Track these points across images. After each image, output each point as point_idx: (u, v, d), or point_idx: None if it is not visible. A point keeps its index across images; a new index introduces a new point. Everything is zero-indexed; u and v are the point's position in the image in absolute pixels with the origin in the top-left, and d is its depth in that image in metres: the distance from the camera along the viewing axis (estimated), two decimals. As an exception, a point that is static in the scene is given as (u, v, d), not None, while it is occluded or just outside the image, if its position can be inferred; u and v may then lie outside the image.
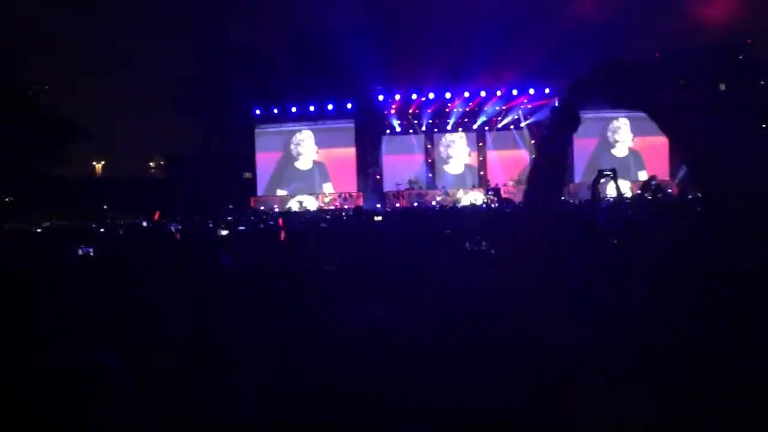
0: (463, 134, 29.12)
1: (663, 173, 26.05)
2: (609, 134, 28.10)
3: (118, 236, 10.70)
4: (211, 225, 12.22)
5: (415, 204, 25.45)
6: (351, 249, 5.68)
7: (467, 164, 29.21)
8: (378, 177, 28.28)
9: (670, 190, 25.58)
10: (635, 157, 27.99)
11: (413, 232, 6.86)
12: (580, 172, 27.60)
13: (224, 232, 9.88)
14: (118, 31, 27.74)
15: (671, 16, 26.93)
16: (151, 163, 32.83)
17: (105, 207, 23.31)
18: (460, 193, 26.70)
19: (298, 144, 27.97)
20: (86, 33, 27.11)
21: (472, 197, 26.33)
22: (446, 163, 29.18)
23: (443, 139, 29.17)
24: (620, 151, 28.06)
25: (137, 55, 27.08)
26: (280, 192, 27.92)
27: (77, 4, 27.07)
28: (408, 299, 3.84)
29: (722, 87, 28.68)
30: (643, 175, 26.33)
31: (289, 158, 28.12)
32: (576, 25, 25.36)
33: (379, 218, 10.10)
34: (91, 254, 6.31)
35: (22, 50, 25.12)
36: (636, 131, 27.57)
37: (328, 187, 27.93)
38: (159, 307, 4.29)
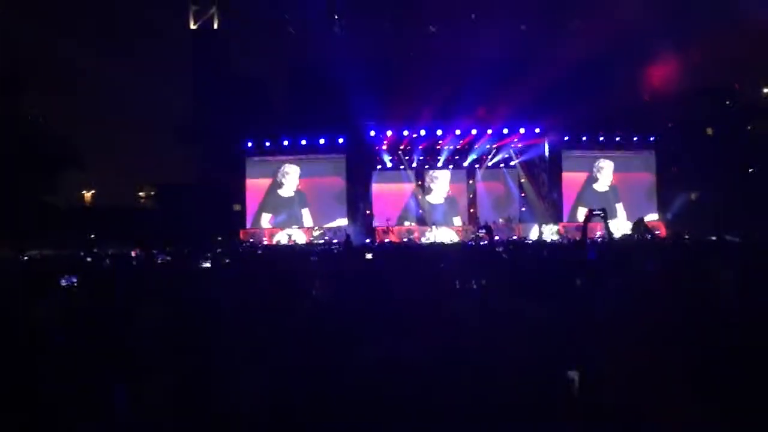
0: (447, 171, 29.28)
1: (640, 207, 27.55)
2: (594, 171, 28.96)
3: (103, 267, 10.59)
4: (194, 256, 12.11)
5: (405, 240, 25.45)
6: (346, 285, 5.65)
7: (448, 196, 29.30)
8: (368, 212, 28.28)
9: (657, 231, 25.82)
10: (613, 191, 29.01)
11: (407, 271, 6.83)
12: (569, 207, 27.98)
13: (207, 264, 9.77)
14: (113, 60, 27.78)
15: (660, 60, 27.32)
16: (141, 193, 32.65)
17: (92, 236, 23.08)
18: (433, 230, 26.82)
19: (285, 174, 28.11)
20: (81, 62, 27.15)
21: (447, 234, 26.50)
22: (428, 193, 29.32)
23: (429, 174, 29.34)
24: (602, 186, 28.95)
25: (132, 86, 27.06)
26: (265, 216, 27.93)
27: (72, 33, 27.15)
28: (408, 337, 3.80)
29: (710, 131, 29.04)
30: (620, 208, 28.25)
31: (275, 185, 28.23)
32: (567, 66, 25.68)
33: (370, 255, 10.00)
34: (75, 285, 6.23)
35: (19, 78, 25.11)
36: (616, 169, 29.05)
37: (306, 213, 27.98)
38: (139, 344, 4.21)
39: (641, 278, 6.42)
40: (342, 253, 11.62)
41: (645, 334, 4.22)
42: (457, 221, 28.85)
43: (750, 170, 27.97)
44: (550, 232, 26.70)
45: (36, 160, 25.08)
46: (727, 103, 29.10)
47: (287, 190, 28.26)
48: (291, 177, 28.23)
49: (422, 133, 27.69)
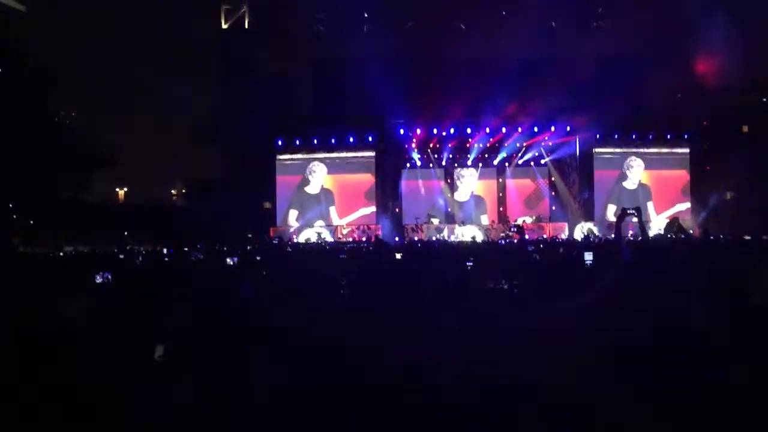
0: (474, 169, 29.17)
1: (668, 204, 28.01)
2: (625, 169, 28.62)
3: (136, 263, 10.74)
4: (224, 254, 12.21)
5: (434, 238, 25.40)
6: (376, 286, 5.64)
7: (475, 194, 29.21)
8: (397, 210, 28.29)
9: (691, 231, 25.38)
10: (644, 190, 28.57)
11: (436, 272, 6.80)
12: (601, 203, 27.68)
13: (230, 261, 9.82)
14: (145, 60, 28.18)
15: (694, 56, 26.86)
16: (173, 191, 33.08)
17: (125, 233, 23.46)
18: (459, 228, 26.79)
19: (312, 171, 28.27)
20: (113, 61, 27.62)
21: (472, 232, 26.42)
22: (456, 191, 29.28)
23: (456, 171, 29.27)
24: (632, 184, 28.63)
25: (163, 85, 27.42)
26: (292, 213, 28.14)
27: (106, 31, 27.59)
28: (438, 337, 3.78)
29: (745, 129, 28.48)
30: (650, 206, 27.85)
31: (303, 183, 28.44)
32: (598, 63, 25.40)
33: (399, 255, 9.96)
34: (110, 280, 6.34)
35: (53, 75, 25.59)
36: (648, 167, 28.61)
37: (333, 211, 28.14)
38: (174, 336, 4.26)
39: (678, 279, 6.31)
40: (371, 253, 11.63)
41: (682, 337, 4.15)
42: (485, 219, 28.70)
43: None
44: (582, 231, 26.50)
45: (70, 159, 25.54)
46: (764, 100, 28.48)
47: (314, 187, 28.39)
48: (318, 174, 28.36)
49: (452, 131, 27.60)
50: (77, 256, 13.18)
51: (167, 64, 28.52)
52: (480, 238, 25.35)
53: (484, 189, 29.44)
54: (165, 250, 14.89)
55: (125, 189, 32.38)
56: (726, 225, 22.94)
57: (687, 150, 28.43)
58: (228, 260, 9.68)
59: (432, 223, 27.43)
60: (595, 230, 26.42)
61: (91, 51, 26.69)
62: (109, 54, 27.34)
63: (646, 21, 24.64)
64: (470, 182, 29.35)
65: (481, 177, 29.39)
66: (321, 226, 27.73)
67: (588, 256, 8.76)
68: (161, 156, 30.74)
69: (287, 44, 28.79)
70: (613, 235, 9.13)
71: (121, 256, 12.16)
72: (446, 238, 25.89)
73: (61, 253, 14.32)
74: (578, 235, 25.56)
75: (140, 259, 11.79)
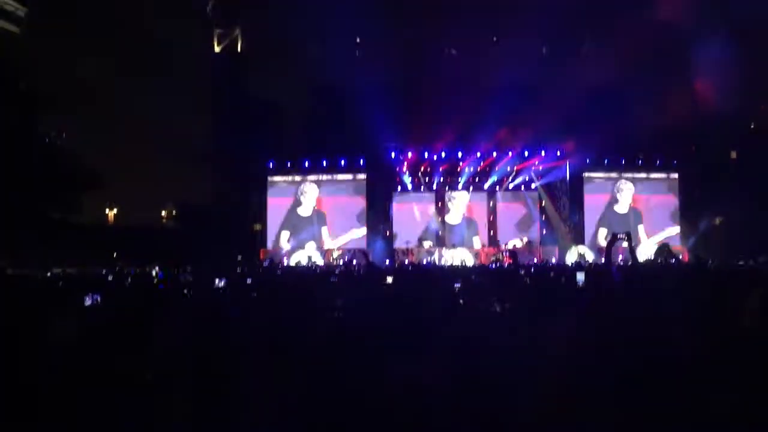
0: (465, 192, 29.27)
1: (658, 228, 28.38)
2: (615, 193, 28.99)
3: (125, 285, 10.65)
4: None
5: (425, 261, 25.38)
6: (367, 309, 5.63)
7: (466, 217, 29.29)
8: (388, 233, 28.29)
9: (681, 256, 25.51)
10: (635, 214, 28.87)
11: (426, 296, 6.78)
12: (591, 228, 27.81)
13: (219, 283, 9.76)
14: (137, 81, 28.26)
15: (682, 83, 27.17)
16: (163, 213, 32.96)
17: (115, 255, 23.30)
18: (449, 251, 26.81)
19: (303, 192, 28.35)
20: (105, 83, 27.64)
21: (462, 255, 26.46)
22: (447, 214, 29.39)
23: (447, 194, 29.36)
24: (623, 208, 28.90)
25: (155, 107, 27.49)
26: (284, 235, 28.13)
27: (99, 54, 27.66)
28: (432, 358, 3.76)
29: (733, 155, 28.78)
30: (641, 230, 28.16)
31: (294, 204, 28.50)
32: (588, 89, 25.65)
33: (390, 279, 9.92)
34: (99, 302, 6.28)
35: (44, 97, 25.59)
36: (638, 191, 29.05)
37: (324, 232, 28.15)
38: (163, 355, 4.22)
39: (668, 304, 6.32)
40: (362, 276, 11.59)
41: (671, 359, 4.15)
42: (477, 242, 28.74)
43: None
44: (572, 255, 26.56)
45: (59, 179, 25.46)
46: (752, 126, 28.82)
47: (306, 209, 28.42)
48: (309, 196, 28.43)
49: (443, 154, 27.74)
50: (65, 277, 13.06)
51: (160, 87, 28.56)
52: (471, 261, 25.37)
53: (475, 212, 29.51)
54: (154, 272, 14.79)
55: (115, 210, 32.21)
56: (715, 250, 23.07)
57: (676, 175, 28.69)
58: (217, 282, 9.61)
59: (423, 246, 27.43)
60: (588, 253, 26.51)
61: (83, 73, 26.73)
62: (101, 76, 27.39)
63: (636, 47, 24.92)
64: (462, 204, 29.42)
65: (471, 200, 29.48)
66: (312, 249, 27.71)
67: (580, 277, 8.80)
68: (152, 178, 30.66)
69: (279, 68, 28.95)
70: (603, 260, 9.16)
71: (110, 278, 12.06)
72: (437, 261, 25.89)
73: (49, 274, 14.18)
74: (570, 259, 25.63)
75: (129, 281, 11.69)
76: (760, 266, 14.65)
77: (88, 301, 6.23)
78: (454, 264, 24.74)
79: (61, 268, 17.38)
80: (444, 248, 27.49)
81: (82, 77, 26.91)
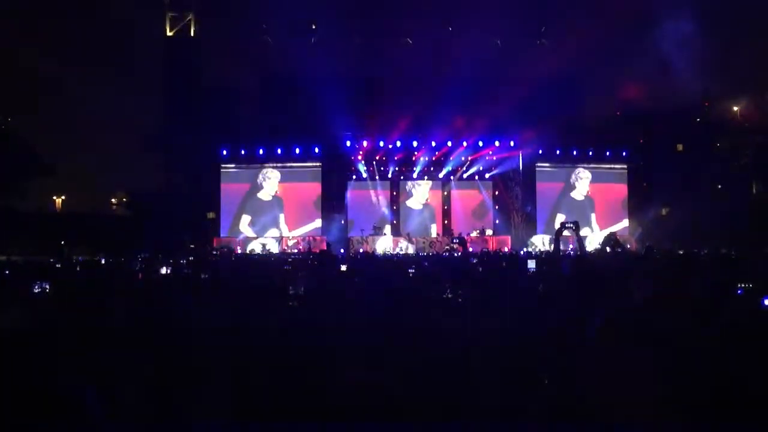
0: (424, 181, 29.52)
1: (613, 219, 28.89)
2: (572, 180, 29.56)
3: (74, 272, 10.46)
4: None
5: (379, 251, 25.48)
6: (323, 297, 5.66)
7: (426, 204, 29.56)
8: (343, 222, 28.27)
9: (629, 245, 26.18)
10: (589, 202, 29.53)
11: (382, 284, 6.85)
12: (546, 216, 28.26)
13: (164, 271, 9.70)
14: (84, 67, 27.50)
15: (632, 76, 27.76)
16: (113, 200, 32.27)
17: (62, 243, 22.76)
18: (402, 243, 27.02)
19: (266, 177, 28.13)
20: (51, 67, 26.84)
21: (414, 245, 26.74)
22: (409, 197, 29.63)
23: (408, 182, 29.56)
24: (579, 194, 29.55)
25: (104, 92, 26.80)
26: (244, 219, 27.96)
27: (46, 38, 26.85)
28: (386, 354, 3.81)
29: (680, 147, 29.58)
30: (594, 218, 28.95)
31: (254, 189, 28.26)
32: (541, 81, 26.00)
33: (344, 267, 9.97)
34: (47, 290, 6.18)
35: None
36: (592, 180, 29.62)
37: (282, 219, 28.04)
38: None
39: (614, 291, 6.52)
40: (317, 265, 11.61)
41: (617, 343, 4.30)
42: (434, 230, 29.03)
43: (719, 186, 28.51)
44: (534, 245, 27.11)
45: (4, 166, 24.73)
46: (698, 120, 29.67)
47: (267, 193, 28.20)
48: (272, 181, 28.19)
49: (398, 144, 27.78)
50: (11, 264, 12.74)
51: (110, 72, 27.89)
52: (427, 251, 25.60)
53: (431, 200, 29.76)
54: (103, 260, 14.54)
55: (63, 197, 31.42)
56: (661, 240, 23.75)
57: (625, 167, 29.40)
58: (163, 270, 9.52)
59: (378, 235, 27.50)
60: (543, 242, 27.04)
61: (29, 57, 25.92)
62: (49, 61, 26.59)
63: (588, 40, 25.34)
64: (424, 192, 29.67)
65: (425, 190, 29.72)
66: (269, 237, 27.53)
67: (531, 264, 9.02)
68: (101, 164, 29.96)
69: (233, 54, 28.54)
70: (551, 248, 9.36)
71: (58, 266, 11.82)
72: (391, 251, 26.03)
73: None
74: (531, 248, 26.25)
75: (78, 269, 11.48)
76: (701, 256, 15.15)
77: (36, 289, 6.12)
78: (407, 253, 24.94)
79: (5, 256, 16.94)
80: (399, 238, 27.62)
81: (28, 62, 26.11)
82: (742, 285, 6.40)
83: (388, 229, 28.54)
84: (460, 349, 4.04)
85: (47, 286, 6.15)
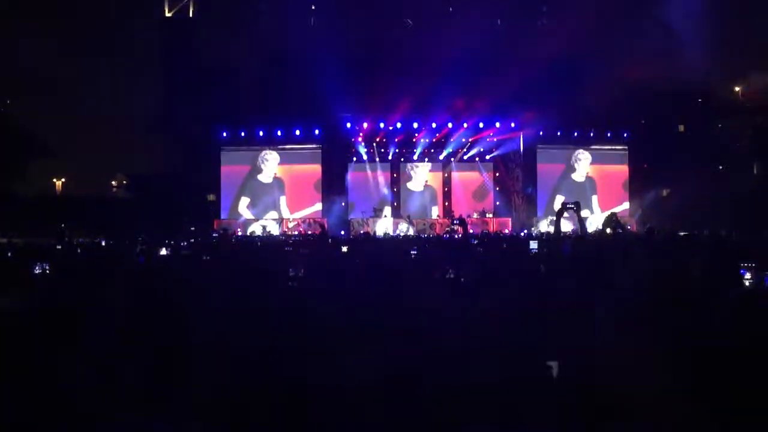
0: (425, 163, 29.51)
1: (614, 200, 28.69)
2: (572, 161, 29.47)
3: (74, 254, 10.47)
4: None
5: (380, 233, 25.48)
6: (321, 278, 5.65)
7: (426, 186, 29.54)
8: (343, 204, 28.25)
9: (629, 226, 26.17)
10: (590, 183, 29.50)
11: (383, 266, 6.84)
12: (544, 200, 28.25)
13: (163, 252, 9.73)
14: (84, 49, 27.36)
15: (634, 57, 27.59)
16: (113, 182, 32.23)
17: (63, 225, 22.75)
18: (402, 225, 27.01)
19: (265, 160, 28.08)
20: (50, 50, 26.69)
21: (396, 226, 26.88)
22: (410, 179, 29.61)
23: (408, 164, 29.55)
24: (579, 177, 29.44)
25: (104, 74, 26.71)
26: (243, 201, 27.97)
27: (40, 20, 26.67)
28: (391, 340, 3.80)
29: (681, 128, 29.48)
30: (595, 200, 28.91)
31: (254, 171, 28.20)
32: (542, 61, 25.84)
33: (345, 249, 9.99)
34: (47, 271, 6.19)
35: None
36: (593, 161, 29.52)
37: (283, 202, 27.98)
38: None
39: (613, 272, 6.51)
40: (317, 245, 11.61)
41: (615, 325, 4.29)
42: (435, 211, 29.07)
43: (720, 167, 28.45)
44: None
45: (4, 147, 24.68)
46: (699, 100, 29.53)
47: (267, 176, 28.17)
48: (271, 163, 28.16)
49: (398, 125, 27.69)
50: (12, 246, 12.75)
51: (108, 53, 27.72)
52: (428, 232, 25.61)
53: (431, 182, 29.77)
54: (104, 243, 14.55)
55: (63, 180, 31.38)
56: (662, 221, 23.75)
57: (626, 148, 29.31)
58: (162, 251, 9.54)
59: (378, 217, 27.51)
60: (548, 225, 27.00)
61: (27, 38, 25.77)
62: (47, 43, 26.43)
63: (589, 21, 25.15)
64: (424, 173, 29.66)
65: (426, 171, 29.73)
66: (270, 219, 27.54)
67: (533, 245, 9.05)
68: (101, 146, 29.88)
69: (232, 35, 28.33)
70: (552, 229, 9.33)
71: (59, 248, 11.83)
72: (392, 232, 26.04)
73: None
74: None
75: (79, 251, 11.48)
76: (701, 237, 15.13)
77: (37, 270, 6.13)
78: (408, 235, 24.94)
79: (6, 239, 16.95)
80: (400, 219, 27.64)
81: (27, 42, 25.97)
82: (745, 265, 6.39)
83: (388, 210, 28.54)
84: (460, 329, 4.03)
85: (47, 267, 6.17)
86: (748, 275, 6.31)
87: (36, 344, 3.69)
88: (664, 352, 3.65)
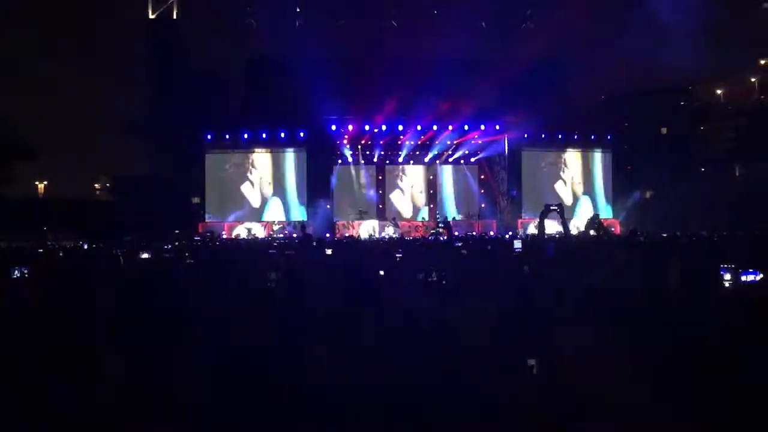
0: (409, 166, 29.60)
1: (597, 202, 29.01)
2: (556, 166, 29.60)
3: (55, 257, 10.38)
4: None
5: (364, 235, 25.48)
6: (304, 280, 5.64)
7: (412, 187, 29.70)
8: (328, 207, 28.20)
9: (612, 228, 26.36)
10: (575, 187, 29.57)
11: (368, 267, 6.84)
12: (530, 202, 28.44)
13: (145, 255, 9.67)
14: (67, 49, 27.20)
15: (618, 60, 27.79)
16: (96, 185, 32.00)
17: (45, 228, 22.54)
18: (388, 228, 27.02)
19: (249, 165, 27.87)
20: (34, 51, 26.50)
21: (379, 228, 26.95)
22: (395, 182, 29.75)
23: (390, 168, 29.59)
24: (564, 178, 29.61)
25: (86, 75, 26.51)
26: (226, 207, 27.75)
27: (30, 22, 26.51)
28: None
29: (664, 131, 29.74)
30: (581, 203, 29.06)
31: (238, 177, 27.99)
32: (527, 65, 25.96)
33: (329, 251, 9.97)
34: (26, 275, 6.13)
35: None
36: (577, 165, 29.74)
37: (267, 206, 27.89)
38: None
39: (597, 273, 6.55)
40: (300, 248, 11.59)
41: (598, 325, 4.32)
42: (419, 214, 29.09)
43: (702, 169, 28.72)
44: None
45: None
46: (682, 103, 29.80)
47: (252, 177, 28.00)
48: (257, 165, 27.99)
49: (383, 128, 27.68)
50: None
51: (92, 54, 27.57)
52: (413, 234, 25.63)
53: (416, 186, 29.79)
54: (85, 245, 14.43)
55: (45, 182, 31.11)
56: (645, 223, 23.92)
57: (610, 150, 29.47)
58: (144, 255, 9.47)
59: (362, 219, 27.49)
60: (531, 228, 27.10)
61: (13, 39, 25.56)
62: (30, 44, 26.24)
63: (572, 24, 25.34)
64: (409, 176, 29.77)
65: (413, 174, 29.77)
66: (254, 222, 27.42)
67: (517, 245, 9.08)
68: (85, 149, 29.68)
69: (217, 37, 28.25)
70: (536, 231, 9.37)
71: (40, 251, 11.72)
72: (376, 234, 26.05)
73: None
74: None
75: (61, 254, 11.39)
76: (683, 238, 15.27)
77: (16, 274, 6.07)
78: (392, 237, 24.94)
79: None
80: (386, 222, 27.64)
81: (12, 44, 25.75)
82: (725, 266, 6.44)
83: (373, 212, 28.53)
84: (439, 334, 4.03)
85: (26, 271, 6.11)
86: (727, 276, 6.36)
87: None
88: (642, 350, 3.68)
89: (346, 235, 25.29)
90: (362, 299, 4.60)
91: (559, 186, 29.25)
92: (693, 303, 5.20)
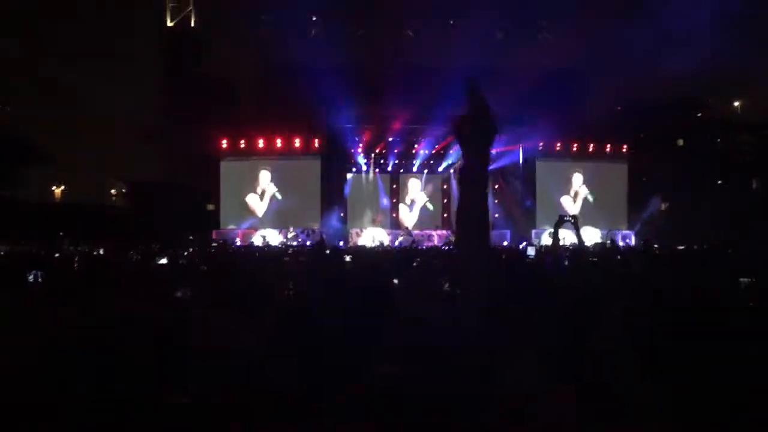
0: (422, 175, 29.56)
1: (612, 213, 28.59)
2: (568, 178, 29.44)
3: (71, 263, 10.44)
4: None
5: (377, 243, 25.45)
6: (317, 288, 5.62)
7: (426, 196, 29.74)
8: (342, 215, 28.23)
9: (629, 241, 26.16)
10: (587, 199, 29.36)
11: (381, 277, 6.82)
12: (544, 213, 28.32)
13: (163, 261, 9.74)
14: (85, 57, 27.51)
15: (634, 70, 27.68)
16: (112, 191, 32.25)
17: (61, 233, 22.72)
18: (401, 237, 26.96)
19: (260, 174, 27.91)
20: (51, 58, 26.80)
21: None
22: (408, 190, 29.90)
23: (403, 177, 29.62)
24: (578, 190, 29.44)
25: (104, 83, 26.78)
26: (239, 216, 27.79)
27: (46, 29, 26.84)
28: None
29: (680, 142, 29.52)
30: (593, 216, 28.11)
31: (250, 186, 28.01)
32: (542, 75, 25.92)
33: (348, 258, 9.98)
34: (40, 279, 6.17)
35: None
36: (590, 177, 29.46)
37: (279, 215, 27.82)
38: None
39: (609, 284, 6.50)
40: (315, 255, 11.59)
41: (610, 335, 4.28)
42: (433, 224, 29.07)
43: (719, 182, 28.47)
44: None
45: (4, 155, 24.70)
46: (699, 115, 29.59)
47: (266, 185, 28.04)
48: (265, 177, 28.04)
49: (398, 137, 27.71)
50: (9, 255, 12.72)
51: (110, 62, 27.85)
52: (426, 243, 25.57)
53: (429, 195, 29.80)
54: (102, 251, 14.52)
55: (62, 188, 31.38)
56: (661, 235, 23.72)
57: (625, 162, 29.27)
58: (160, 261, 9.52)
59: (376, 227, 27.50)
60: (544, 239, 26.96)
61: (30, 47, 25.89)
62: (49, 52, 26.55)
63: (589, 35, 25.29)
64: (423, 185, 29.82)
65: (426, 183, 29.80)
66: (269, 229, 27.45)
67: (531, 251, 9.07)
68: (101, 155, 29.95)
69: (233, 45, 28.43)
70: (551, 242, 9.31)
71: (56, 255, 11.80)
72: (390, 243, 26.03)
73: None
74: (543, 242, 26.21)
75: (77, 259, 11.45)
76: (700, 251, 15.13)
77: (30, 278, 6.10)
78: (406, 245, 24.89)
79: (5, 247, 16.92)
80: (400, 230, 27.63)
81: (29, 51, 26.07)
82: (743, 279, 6.36)
83: (387, 221, 28.53)
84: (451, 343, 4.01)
85: (39, 275, 6.14)
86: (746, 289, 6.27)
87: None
88: (658, 359, 3.64)
89: (359, 243, 25.30)
90: (377, 309, 4.59)
91: (573, 196, 29.08)
92: (711, 317, 5.12)
